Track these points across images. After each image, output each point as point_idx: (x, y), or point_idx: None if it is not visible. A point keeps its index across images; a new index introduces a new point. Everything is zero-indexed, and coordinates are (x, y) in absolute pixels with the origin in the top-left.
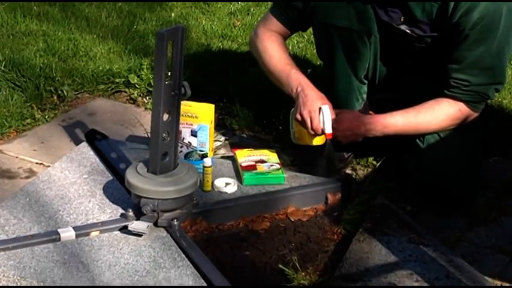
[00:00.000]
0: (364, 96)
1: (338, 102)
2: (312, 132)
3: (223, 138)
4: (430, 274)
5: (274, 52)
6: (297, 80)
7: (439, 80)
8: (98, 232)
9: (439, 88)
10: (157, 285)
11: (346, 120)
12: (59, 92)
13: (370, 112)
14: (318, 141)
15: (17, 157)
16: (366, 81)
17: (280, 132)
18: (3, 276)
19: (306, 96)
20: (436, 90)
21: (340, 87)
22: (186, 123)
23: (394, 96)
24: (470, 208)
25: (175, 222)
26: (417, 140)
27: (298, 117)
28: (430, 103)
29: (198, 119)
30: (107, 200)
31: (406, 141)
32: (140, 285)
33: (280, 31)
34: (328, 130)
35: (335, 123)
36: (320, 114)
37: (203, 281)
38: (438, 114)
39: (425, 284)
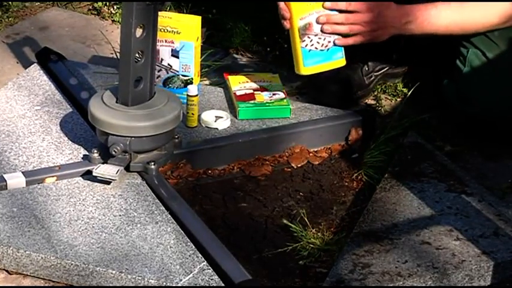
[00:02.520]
0: None
1: None
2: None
3: (212, 59)
4: (474, 231)
5: None
6: None
7: None
8: (55, 178)
9: None
10: (132, 245)
11: (371, 7)
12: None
13: None
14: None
15: None
16: None
17: (285, 51)
18: None
19: None
20: None
21: None
22: (166, 41)
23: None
24: None
25: (153, 166)
26: (457, 61)
27: None
28: None
29: (181, 35)
30: (65, 138)
31: (445, 51)
32: (111, 246)
33: None
34: None
35: (354, 14)
36: None
37: (188, 239)
38: (490, 5)
39: (468, 243)
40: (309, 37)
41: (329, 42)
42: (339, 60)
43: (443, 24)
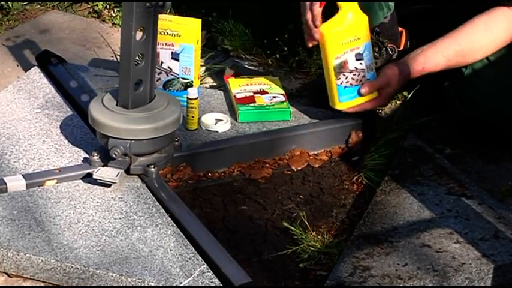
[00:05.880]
0: (392, 4)
1: None
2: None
3: (212, 62)
4: (474, 234)
5: None
6: None
7: None
8: (55, 181)
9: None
10: (132, 247)
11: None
12: (2, 2)
13: (400, 29)
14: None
15: None
16: None
17: (285, 54)
18: None
19: None
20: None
21: None
22: (166, 44)
23: (431, 7)
24: None
25: (153, 169)
26: None
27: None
28: (479, 19)
29: (181, 38)
30: (66, 141)
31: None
32: (111, 249)
33: None
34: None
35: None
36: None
37: (188, 242)
38: (494, 30)
39: (468, 246)
40: (344, 74)
41: (363, 77)
42: (372, 93)
43: (445, 63)
